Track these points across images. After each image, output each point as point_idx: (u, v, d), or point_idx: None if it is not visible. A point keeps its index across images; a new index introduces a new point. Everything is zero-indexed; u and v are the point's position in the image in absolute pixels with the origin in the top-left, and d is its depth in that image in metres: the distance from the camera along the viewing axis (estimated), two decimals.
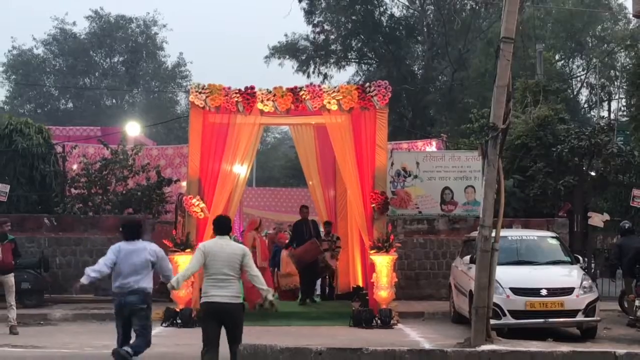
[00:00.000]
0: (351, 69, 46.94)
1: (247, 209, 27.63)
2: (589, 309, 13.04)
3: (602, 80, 40.95)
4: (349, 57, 44.69)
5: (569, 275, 13.68)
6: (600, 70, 40.04)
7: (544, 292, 12.99)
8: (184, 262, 15.21)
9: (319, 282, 18.68)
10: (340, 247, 17.86)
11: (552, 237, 15.33)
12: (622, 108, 34.74)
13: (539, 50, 28.93)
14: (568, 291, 13.11)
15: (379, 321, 14.99)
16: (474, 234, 13.92)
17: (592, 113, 41.60)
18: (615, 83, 39.26)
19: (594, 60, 41.10)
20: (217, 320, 8.93)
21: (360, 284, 17.43)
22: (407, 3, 43.66)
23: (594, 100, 41.58)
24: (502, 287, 12.87)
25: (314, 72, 42.89)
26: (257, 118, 16.27)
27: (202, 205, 15.71)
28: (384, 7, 42.86)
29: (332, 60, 43.55)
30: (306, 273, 17.45)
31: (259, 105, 15.83)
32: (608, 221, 19.42)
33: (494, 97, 11.96)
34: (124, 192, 19.99)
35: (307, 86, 16.18)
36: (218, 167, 16.05)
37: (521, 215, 20.06)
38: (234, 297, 8.97)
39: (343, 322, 15.23)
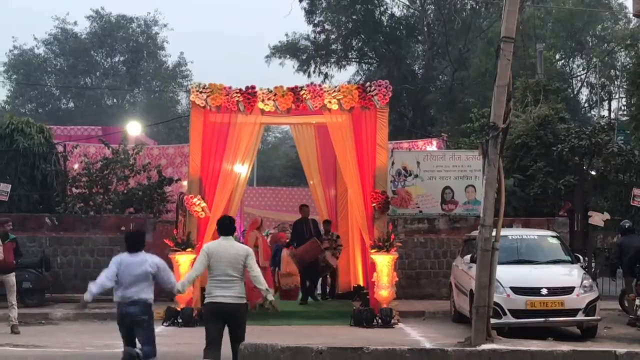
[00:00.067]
0: (352, 69, 47.06)
1: (247, 209, 27.62)
2: (590, 308, 13.06)
3: (603, 79, 40.96)
4: (350, 56, 44.72)
5: (570, 275, 13.70)
6: (600, 69, 40.05)
7: (544, 291, 13.01)
8: (184, 262, 15.29)
9: (319, 281, 18.66)
10: (341, 245, 17.83)
11: (553, 237, 15.36)
12: (622, 107, 34.75)
13: (539, 49, 28.92)
14: (568, 290, 13.12)
15: (379, 320, 15.02)
16: (475, 233, 13.92)
17: (593, 112, 41.64)
18: (616, 82, 39.23)
19: (594, 59, 41.10)
20: (220, 320, 9.01)
21: (361, 283, 17.43)
22: (407, 3, 43.69)
23: (594, 99, 41.61)
24: (502, 286, 12.88)
25: (314, 72, 42.99)
26: (258, 117, 16.29)
27: (203, 204, 15.74)
28: (385, 6, 42.91)
29: (332, 60, 43.58)
30: (307, 273, 17.46)
31: (260, 105, 15.86)
32: (608, 220, 19.43)
33: (495, 97, 11.97)
34: (125, 191, 20.02)
35: (307, 86, 16.20)
36: (219, 167, 16.08)
37: (522, 214, 20.08)
38: (238, 298, 9.03)
39: (344, 322, 15.26)
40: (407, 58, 44.47)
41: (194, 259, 15.01)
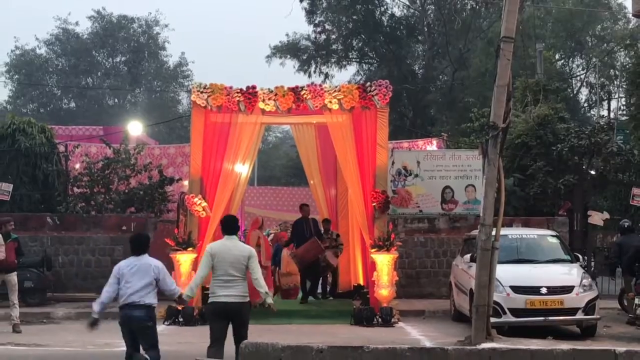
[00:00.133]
0: (352, 69, 47.08)
1: (248, 208, 27.66)
2: (589, 307, 13.09)
3: (602, 79, 40.97)
4: (350, 56, 44.74)
5: (569, 274, 13.74)
6: (600, 69, 40.05)
7: (544, 290, 13.04)
8: (185, 261, 15.35)
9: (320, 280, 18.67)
10: (342, 244, 17.83)
11: (552, 236, 15.39)
12: (622, 107, 34.75)
13: (539, 49, 28.98)
14: (568, 289, 13.16)
15: (379, 319, 15.05)
16: (475, 232, 13.96)
17: (592, 112, 41.62)
18: (615, 82, 39.24)
19: (594, 59, 41.12)
20: (224, 319, 9.14)
21: (361, 282, 17.44)
22: (407, 3, 43.71)
23: (593, 99, 41.62)
24: (502, 285, 12.92)
25: (315, 72, 43.03)
26: (259, 117, 16.33)
27: (204, 204, 15.79)
28: (385, 6, 42.96)
29: (333, 60, 43.60)
30: (308, 272, 17.46)
31: (261, 105, 15.90)
32: (608, 220, 19.45)
33: (494, 97, 12.02)
34: (126, 191, 20.06)
35: (308, 86, 16.24)
36: (220, 166, 16.13)
37: (521, 213, 20.12)
38: (241, 297, 9.17)
39: (344, 321, 15.30)
40: (408, 58, 44.49)
41: (195, 259, 15.20)
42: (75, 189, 20.31)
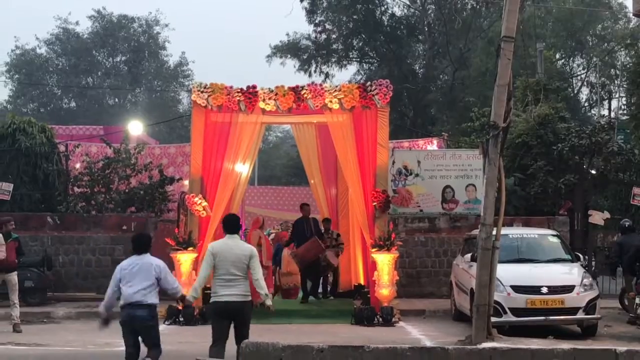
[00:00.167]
0: (352, 68, 47.06)
1: (249, 208, 27.65)
2: (590, 307, 13.09)
3: (603, 79, 40.97)
4: (350, 56, 44.75)
5: (570, 273, 13.74)
6: (600, 69, 40.06)
7: (544, 289, 13.05)
8: (186, 261, 15.36)
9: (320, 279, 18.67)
10: (342, 243, 17.80)
11: (553, 235, 15.39)
12: (622, 107, 34.75)
13: (539, 49, 28.96)
14: (568, 289, 13.16)
15: (380, 319, 15.06)
16: (475, 232, 13.96)
17: (593, 112, 41.63)
18: (616, 82, 39.23)
19: (594, 59, 41.11)
20: (226, 318, 9.18)
21: (362, 282, 17.43)
22: (408, 2, 43.70)
23: (594, 98, 41.62)
24: (503, 284, 12.92)
25: (315, 71, 43.03)
26: (259, 117, 16.34)
27: (205, 203, 15.79)
28: (385, 6, 42.97)
29: (333, 60, 43.61)
30: (309, 272, 17.43)
31: (261, 104, 15.91)
32: (608, 219, 19.47)
33: (495, 96, 12.02)
34: (127, 190, 20.06)
35: (308, 85, 16.25)
36: (220, 166, 16.13)
37: (522, 213, 20.12)
38: (243, 295, 9.19)
39: (344, 320, 15.30)
40: (408, 57, 44.49)
41: (195, 258, 15.21)
42: (76, 189, 20.31)
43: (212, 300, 9.34)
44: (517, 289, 13.06)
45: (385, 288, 15.29)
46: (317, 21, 42.58)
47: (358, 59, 45.41)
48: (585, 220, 19.61)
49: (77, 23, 53.13)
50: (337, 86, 16.34)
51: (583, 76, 43.45)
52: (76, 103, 53.81)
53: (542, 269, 13.77)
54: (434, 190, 19.87)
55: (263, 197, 31.12)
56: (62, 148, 21.26)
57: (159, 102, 52.87)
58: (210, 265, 9.26)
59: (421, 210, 19.76)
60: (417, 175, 19.84)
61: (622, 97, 35.53)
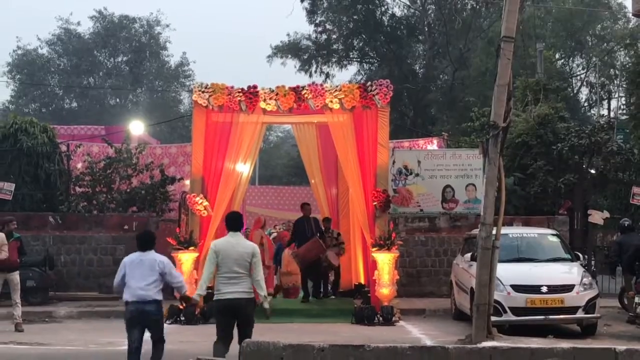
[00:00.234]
0: (353, 68, 47.09)
1: (250, 207, 27.72)
2: (589, 306, 13.11)
3: (602, 78, 41.00)
4: (351, 56, 44.78)
5: (569, 273, 13.76)
6: (600, 68, 40.09)
7: (544, 289, 13.07)
8: (187, 260, 15.40)
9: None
10: (343, 242, 17.76)
11: (553, 235, 15.41)
12: (622, 106, 34.81)
13: (539, 49, 29.00)
14: (568, 288, 13.18)
15: (380, 318, 15.10)
16: (475, 231, 13.98)
17: (592, 111, 41.63)
18: (615, 81, 39.27)
19: (594, 59, 41.13)
20: (230, 315, 9.22)
21: (362, 281, 17.45)
22: (408, 3, 43.74)
23: (593, 98, 41.64)
24: (502, 284, 12.95)
25: (316, 72, 43.05)
26: (260, 117, 16.38)
27: (206, 203, 15.83)
28: (385, 6, 43.01)
29: (334, 60, 43.64)
30: (309, 272, 17.38)
31: (262, 104, 15.95)
32: (608, 219, 19.49)
33: (495, 96, 12.06)
34: (128, 190, 20.10)
35: (309, 85, 16.29)
36: (221, 166, 16.17)
37: (522, 213, 20.15)
38: (246, 293, 9.24)
39: (345, 319, 15.33)
40: (408, 58, 44.51)
41: (197, 258, 15.26)
42: (77, 189, 20.35)
43: (215, 298, 9.38)
44: (517, 288, 13.09)
45: (385, 287, 15.33)
46: (317, 21, 42.62)
47: (358, 59, 45.42)
48: (585, 219, 19.64)
49: (78, 23, 53.27)
50: (337, 86, 16.38)
51: (583, 76, 43.50)
52: (78, 103, 53.84)
53: (541, 268, 13.79)
54: (434, 189, 19.90)
55: (264, 196, 31.17)
56: (63, 148, 21.31)
57: (160, 102, 52.90)
58: (214, 263, 9.31)
59: (421, 210, 19.79)
60: (417, 175, 19.86)
61: (622, 97, 35.61)
